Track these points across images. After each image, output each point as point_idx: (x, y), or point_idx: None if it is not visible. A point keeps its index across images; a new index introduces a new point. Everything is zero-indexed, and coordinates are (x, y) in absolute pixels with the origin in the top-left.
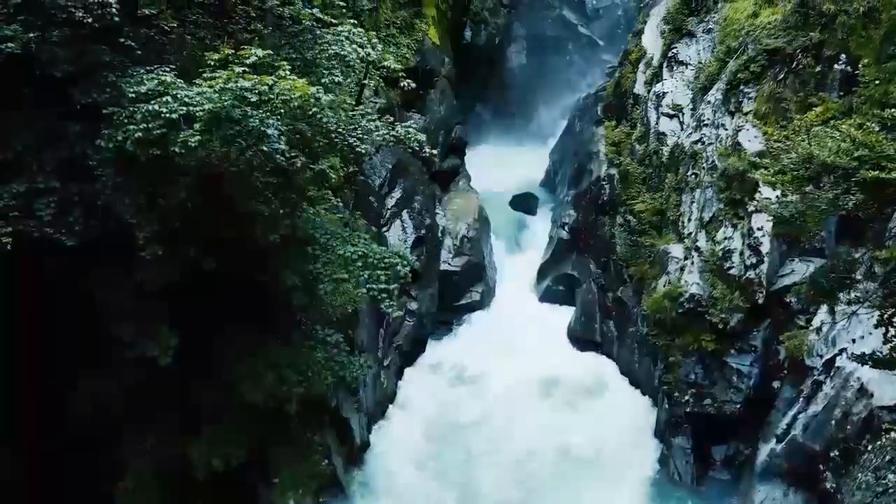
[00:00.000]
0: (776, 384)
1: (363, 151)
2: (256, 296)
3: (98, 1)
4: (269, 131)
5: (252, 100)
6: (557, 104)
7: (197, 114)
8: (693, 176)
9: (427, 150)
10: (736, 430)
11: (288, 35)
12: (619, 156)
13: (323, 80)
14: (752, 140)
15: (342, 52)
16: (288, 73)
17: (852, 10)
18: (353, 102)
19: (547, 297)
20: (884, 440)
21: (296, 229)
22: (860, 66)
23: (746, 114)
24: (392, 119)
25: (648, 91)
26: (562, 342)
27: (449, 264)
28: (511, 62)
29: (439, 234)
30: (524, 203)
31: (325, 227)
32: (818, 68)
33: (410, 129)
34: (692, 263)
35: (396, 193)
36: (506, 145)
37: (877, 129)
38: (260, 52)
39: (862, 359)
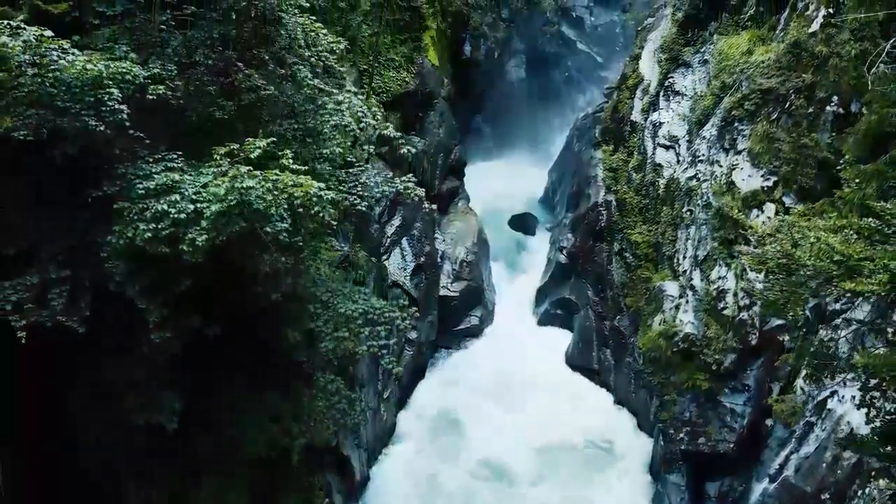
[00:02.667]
0: (769, 422)
1: (363, 209)
2: (257, 349)
3: (110, 108)
4: (273, 215)
5: (257, 194)
6: (556, 119)
7: (204, 212)
8: (688, 212)
9: (427, 205)
10: (729, 467)
11: (290, 106)
12: (617, 182)
13: (324, 151)
14: (745, 179)
15: (342, 123)
16: (291, 160)
17: (844, 52)
18: (354, 159)
19: (545, 320)
20: (872, 487)
21: (297, 286)
22: (841, 162)
23: (740, 152)
24: (391, 174)
25: (645, 119)
26: (561, 370)
27: (448, 289)
28: (510, 76)
29: (438, 259)
30: (523, 223)
31: (326, 284)
32: (811, 109)
33: (409, 184)
34: (687, 302)
35: (396, 221)
36: (505, 159)
37: (855, 236)
38: (263, 144)
39: (845, 442)
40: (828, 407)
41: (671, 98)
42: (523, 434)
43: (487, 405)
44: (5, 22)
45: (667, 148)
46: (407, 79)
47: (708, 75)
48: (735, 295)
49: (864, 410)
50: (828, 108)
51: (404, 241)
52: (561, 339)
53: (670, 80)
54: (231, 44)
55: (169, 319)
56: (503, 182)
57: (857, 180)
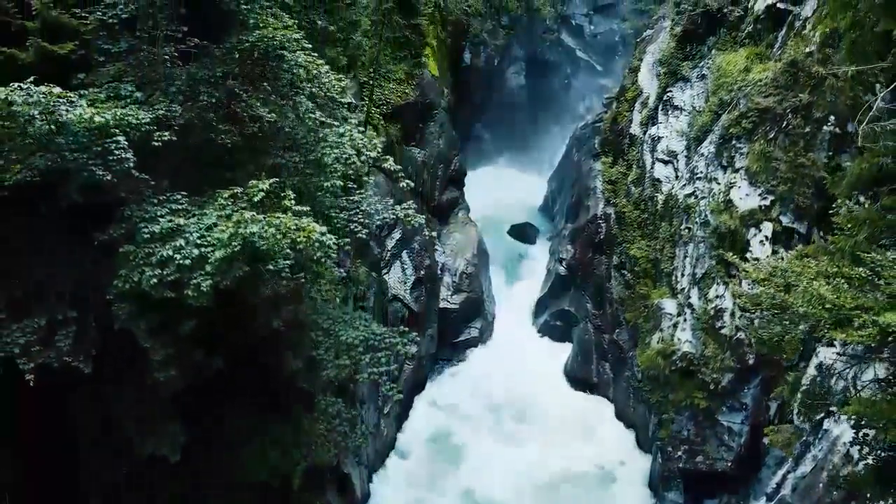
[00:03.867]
0: (767, 440)
1: (364, 237)
2: (258, 375)
3: (117, 157)
4: (276, 255)
5: (260, 235)
6: (556, 126)
7: (209, 257)
8: (686, 230)
9: (427, 232)
10: (728, 485)
11: (292, 138)
12: (616, 195)
13: (326, 184)
14: (743, 198)
15: (343, 156)
16: (292, 201)
17: (841, 73)
18: (355, 186)
19: (545, 330)
20: None
21: (298, 313)
22: (834, 205)
23: (738, 170)
24: (392, 202)
25: (644, 133)
26: (560, 384)
27: (448, 301)
28: (510, 83)
29: (438, 271)
30: (523, 233)
31: (326, 311)
32: (807, 129)
33: (409, 212)
34: (685, 320)
35: (396, 234)
36: (505, 166)
37: (846, 286)
38: (266, 186)
39: (835, 483)
40: (824, 427)
41: (670, 112)
42: (523, 459)
43: (486, 423)
44: (16, 85)
45: (665, 163)
46: (407, 90)
47: (706, 90)
48: (732, 314)
49: (857, 448)
50: (825, 127)
51: (404, 255)
52: (560, 351)
53: (669, 94)
54: (234, 78)
55: (173, 357)
56: (503, 188)
57: (849, 226)
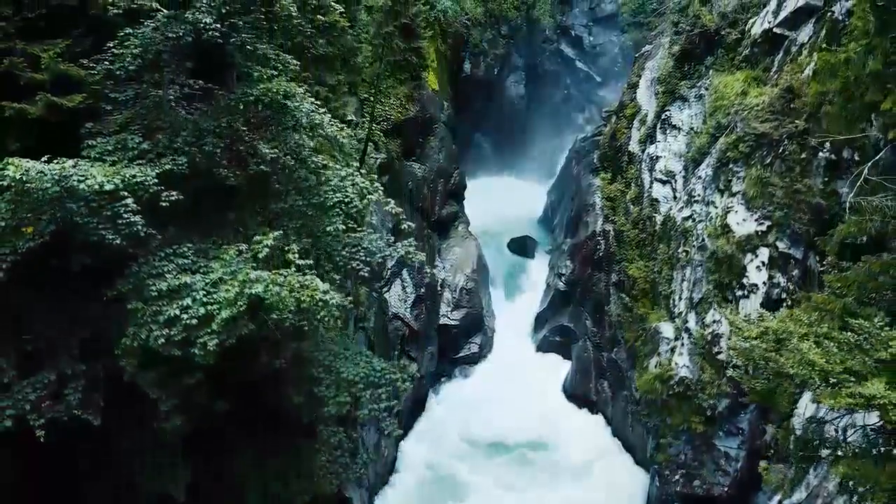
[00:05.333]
0: (763, 464)
1: (366, 275)
2: (260, 410)
3: (126, 221)
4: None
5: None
6: (555, 135)
7: (215, 316)
8: (684, 253)
9: (428, 270)
10: None
11: (295, 181)
12: (615, 212)
13: (329, 228)
14: (740, 223)
15: (345, 200)
16: (296, 255)
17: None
18: (356, 225)
19: (544, 346)
20: None
21: (300, 350)
22: (824, 262)
23: (735, 194)
24: (393, 239)
25: (643, 151)
26: (559, 402)
27: (448, 318)
28: (510, 91)
29: (438, 287)
30: (522, 246)
31: (327, 347)
32: (803, 155)
33: (410, 249)
34: (682, 345)
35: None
36: (504, 174)
37: (835, 349)
38: (270, 242)
39: None
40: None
41: (668, 132)
42: (523, 483)
43: (485, 444)
44: (32, 165)
45: (663, 183)
46: (407, 105)
47: (703, 110)
48: (729, 340)
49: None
50: (820, 154)
51: (405, 273)
52: (559, 366)
53: (667, 113)
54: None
55: (180, 407)
56: (502, 198)
57: (838, 285)
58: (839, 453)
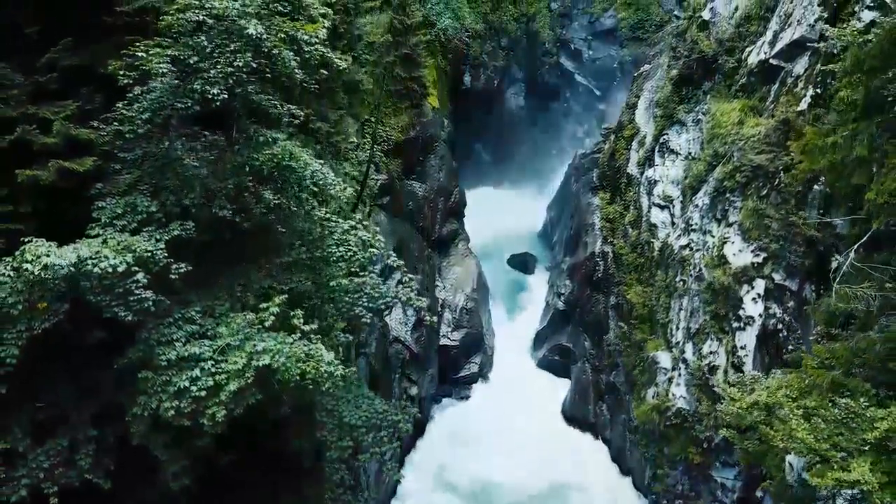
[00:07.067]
0: (759, 493)
1: (367, 321)
2: (264, 455)
3: (137, 297)
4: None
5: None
6: (554, 148)
7: (223, 387)
8: (681, 282)
9: (427, 317)
10: None
11: (299, 234)
12: (614, 234)
13: (332, 283)
14: (736, 254)
15: (347, 255)
16: (301, 320)
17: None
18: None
19: (543, 364)
20: None
21: (304, 394)
22: (815, 331)
23: (731, 224)
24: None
25: (641, 174)
26: (558, 425)
27: (448, 338)
28: (510, 103)
29: (438, 308)
30: (522, 263)
31: (330, 391)
32: (799, 187)
33: (412, 295)
34: (679, 375)
35: (397, 275)
36: (504, 187)
37: (822, 425)
38: (276, 309)
39: None
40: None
41: (666, 155)
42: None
43: (486, 469)
44: (52, 251)
45: (661, 208)
46: (408, 127)
47: (701, 136)
48: (725, 372)
49: None
50: (815, 187)
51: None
52: (559, 387)
53: (665, 136)
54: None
55: (188, 468)
56: (502, 211)
57: (827, 356)
58: None
